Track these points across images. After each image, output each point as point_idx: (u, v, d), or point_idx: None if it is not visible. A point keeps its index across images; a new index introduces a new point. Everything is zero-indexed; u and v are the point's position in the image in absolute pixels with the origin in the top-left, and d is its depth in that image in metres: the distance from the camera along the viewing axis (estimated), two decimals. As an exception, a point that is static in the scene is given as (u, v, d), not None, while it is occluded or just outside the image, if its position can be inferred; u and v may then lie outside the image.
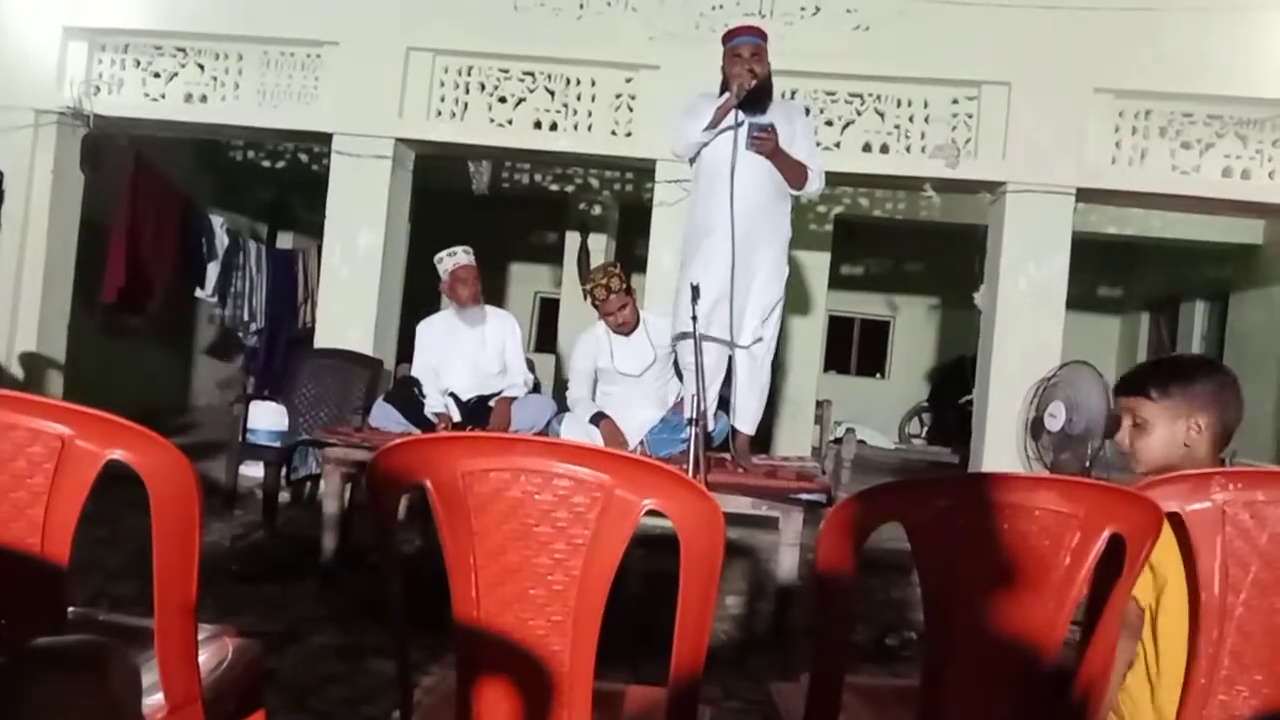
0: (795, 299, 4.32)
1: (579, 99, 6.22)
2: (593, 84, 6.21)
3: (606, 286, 4.56)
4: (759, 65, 3.92)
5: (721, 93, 3.99)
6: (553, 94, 6.24)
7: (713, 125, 3.92)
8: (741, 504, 3.68)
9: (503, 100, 6.27)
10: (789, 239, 4.15)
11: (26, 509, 1.46)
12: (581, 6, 6.10)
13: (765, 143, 3.84)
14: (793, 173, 4.00)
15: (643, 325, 4.69)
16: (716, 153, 3.95)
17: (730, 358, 4.09)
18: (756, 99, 3.92)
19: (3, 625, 1.48)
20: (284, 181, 9.02)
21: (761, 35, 4.00)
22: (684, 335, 3.93)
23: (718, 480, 3.66)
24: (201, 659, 1.58)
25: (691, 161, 4.15)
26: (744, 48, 3.94)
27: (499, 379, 4.94)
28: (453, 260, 4.89)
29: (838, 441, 8.32)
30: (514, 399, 4.82)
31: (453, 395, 4.85)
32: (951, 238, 7.26)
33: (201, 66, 6.40)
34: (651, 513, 1.35)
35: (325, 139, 6.38)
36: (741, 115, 3.89)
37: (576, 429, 4.53)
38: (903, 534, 1.41)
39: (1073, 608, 1.43)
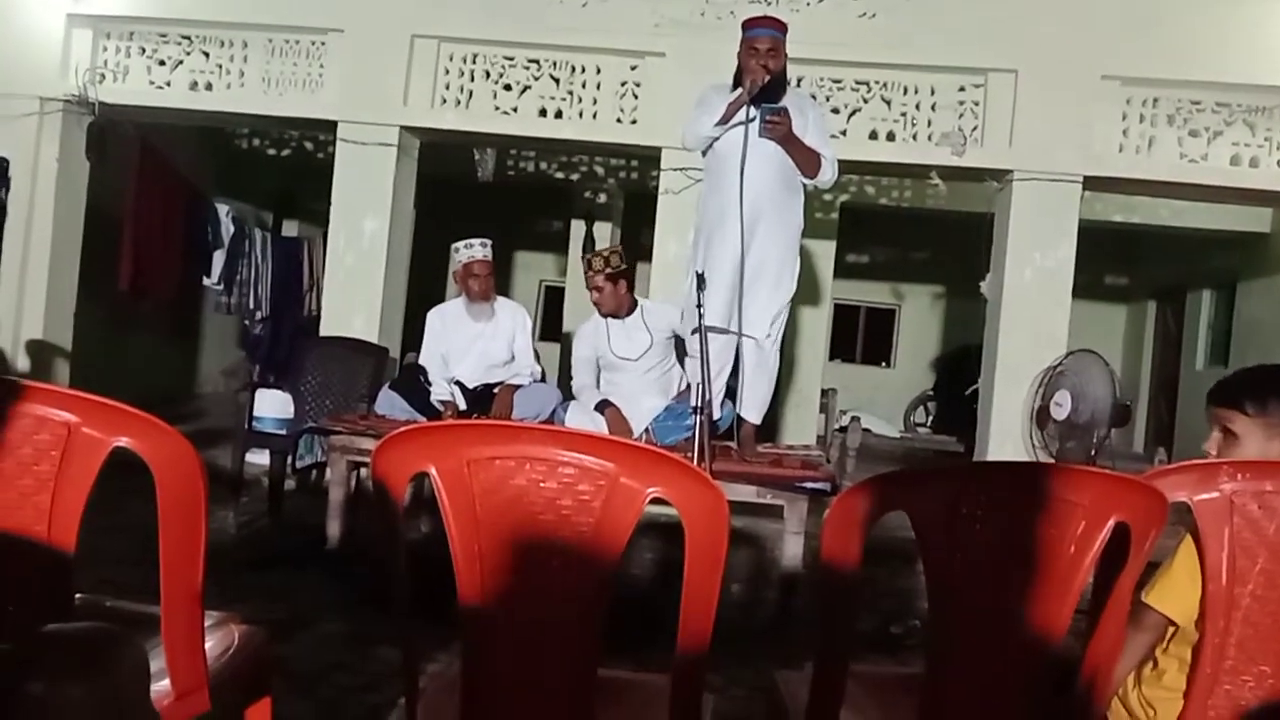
0: (801, 287, 4.31)
1: (584, 86, 6.20)
2: (598, 71, 6.19)
3: (590, 264, 4.70)
4: (774, 61, 3.89)
5: (735, 83, 3.97)
6: (558, 81, 6.22)
7: (724, 121, 3.90)
8: (746, 492, 3.68)
9: (508, 88, 6.25)
10: (800, 230, 4.14)
11: (33, 496, 1.46)
12: (586, -7, 6.08)
13: (778, 127, 3.82)
14: (805, 160, 3.98)
15: (640, 311, 4.72)
16: (728, 145, 3.94)
17: (737, 347, 4.09)
18: (768, 92, 3.90)
19: (10, 612, 1.49)
20: (289, 169, 9.02)
21: (781, 28, 3.96)
22: (696, 329, 3.92)
23: (723, 468, 3.66)
24: (208, 645, 1.59)
25: (704, 153, 4.14)
26: (762, 41, 3.91)
27: (506, 369, 4.94)
28: (469, 253, 4.89)
29: (843, 430, 8.33)
30: (517, 387, 4.83)
31: (458, 383, 4.86)
32: (958, 226, 7.22)
33: (206, 54, 6.39)
34: (656, 501, 1.35)
35: (330, 127, 6.37)
36: (753, 111, 3.87)
37: (582, 417, 4.54)
38: (909, 522, 1.41)
39: (1077, 596, 1.43)
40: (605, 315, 4.71)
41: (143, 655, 1.15)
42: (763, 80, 3.83)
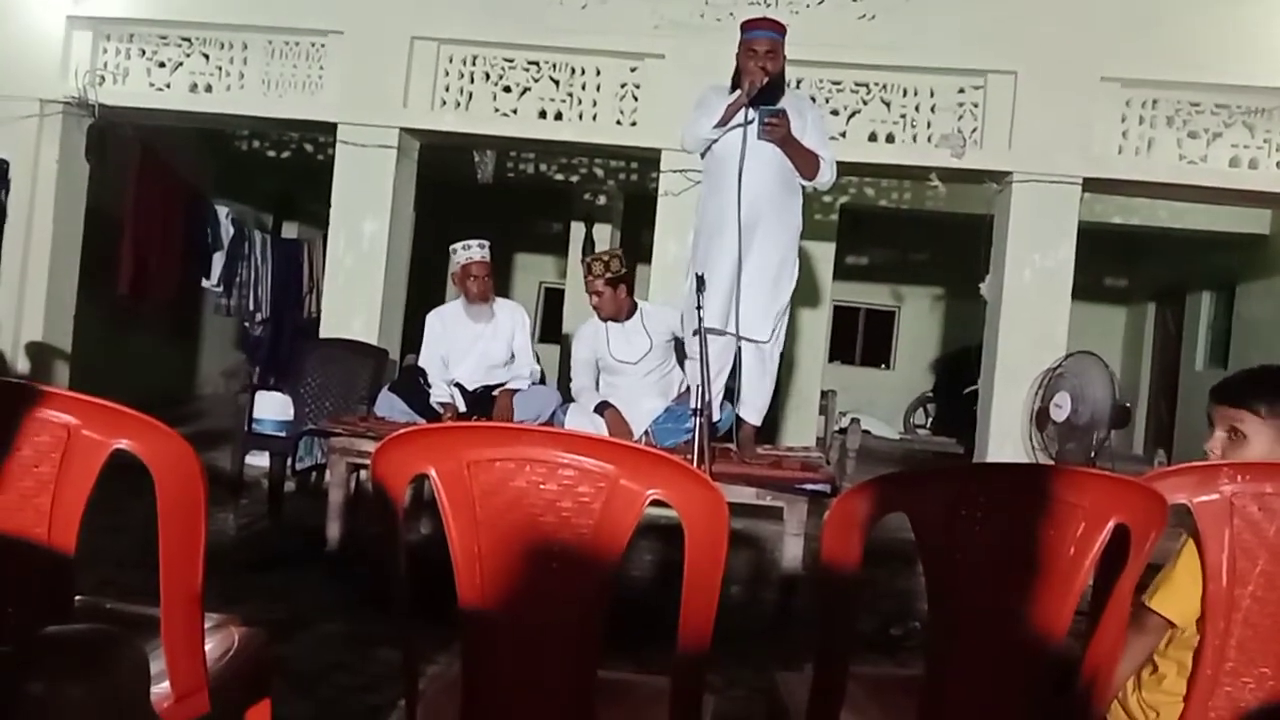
0: (800, 289, 4.31)
1: (584, 88, 6.20)
2: (597, 73, 6.19)
3: (589, 268, 4.67)
4: (772, 63, 3.89)
5: (733, 84, 3.97)
6: (557, 83, 6.22)
7: (722, 123, 3.90)
8: (746, 494, 3.68)
9: (507, 90, 6.25)
10: (799, 232, 4.14)
11: (33, 498, 1.46)
12: (586, -5, 6.08)
13: (777, 129, 3.82)
14: (804, 161, 3.98)
15: (639, 314, 4.71)
16: (727, 147, 3.94)
17: (736, 348, 4.09)
18: (767, 94, 3.90)
19: (9, 614, 1.49)
20: (289, 171, 9.02)
21: (780, 30, 3.96)
22: (695, 331, 3.92)
23: (722, 470, 3.66)
24: (208, 647, 1.59)
25: (703, 155, 4.14)
26: (760, 43, 3.90)
27: (506, 370, 4.94)
28: (466, 254, 4.89)
29: (843, 432, 8.33)
30: (517, 390, 4.83)
31: (458, 385, 4.86)
32: (957, 228, 7.23)
33: (206, 56, 6.39)
34: (656, 502, 1.35)
35: (330, 129, 6.37)
36: (751, 113, 3.87)
37: (582, 419, 4.53)
38: (909, 524, 1.41)
39: (1077, 598, 1.43)
40: (605, 319, 4.71)
41: (143, 656, 1.15)
42: (761, 82, 3.83)
